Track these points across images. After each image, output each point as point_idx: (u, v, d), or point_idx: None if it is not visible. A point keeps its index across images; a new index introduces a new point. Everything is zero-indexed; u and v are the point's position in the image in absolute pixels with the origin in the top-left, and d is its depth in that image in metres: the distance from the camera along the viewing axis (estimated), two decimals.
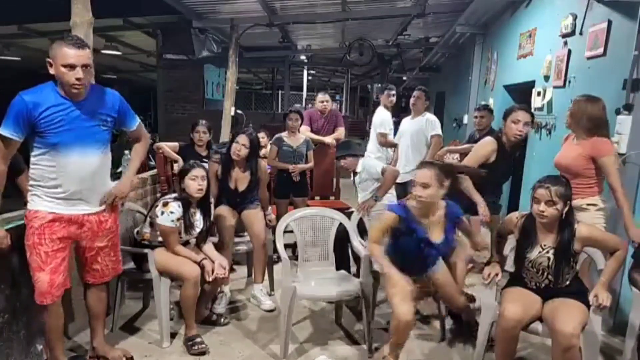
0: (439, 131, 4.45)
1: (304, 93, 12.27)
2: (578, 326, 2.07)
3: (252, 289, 3.38)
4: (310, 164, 4.36)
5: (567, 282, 2.29)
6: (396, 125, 5.12)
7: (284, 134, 4.32)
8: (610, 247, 2.25)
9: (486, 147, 3.08)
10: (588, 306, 2.21)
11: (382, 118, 4.75)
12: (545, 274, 2.28)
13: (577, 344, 2.07)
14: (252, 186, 3.41)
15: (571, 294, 2.25)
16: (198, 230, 2.85)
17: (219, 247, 3.20)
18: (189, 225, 2.79)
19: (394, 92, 4.83)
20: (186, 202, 2.77)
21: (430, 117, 4.51)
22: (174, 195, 2.82)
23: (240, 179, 3.37)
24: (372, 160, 3.74)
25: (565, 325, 2.06)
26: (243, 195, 3.39)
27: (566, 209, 2.20)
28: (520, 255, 2.35)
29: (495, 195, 3.25)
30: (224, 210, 3.34)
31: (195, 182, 2.75)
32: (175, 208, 2.70)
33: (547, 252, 2.26)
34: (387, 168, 3.49)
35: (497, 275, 2.43)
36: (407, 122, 4.67)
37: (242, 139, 3.30)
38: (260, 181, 3.47)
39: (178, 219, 2.72)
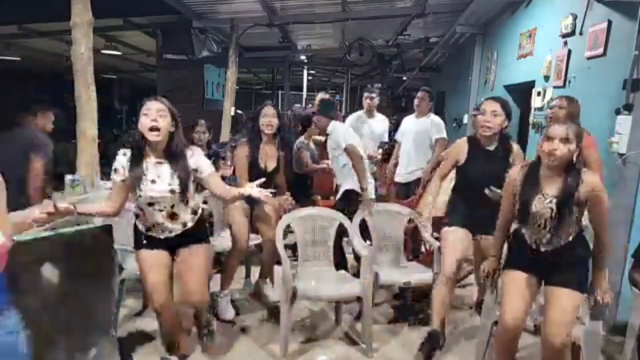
0: (444, 134, 4.42)
1: (304, 93, 12.26)
2: (569, 331, 2.04)
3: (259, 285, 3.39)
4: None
5: (570, 239, 2.11)
6: (396, 126, 5.08)
7: (303, 139, 4.29)
8: (604, 215, 2.08)
9: (454, 149, 2.81)
10: (586, 280, 2.12)
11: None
12: (548, 227, 2.10)
13: (566, 348, 2.06)
14: (279, 165, 3.23)
15: (570, 265, 2.12)
16: (164, 188, 2.19)
17: (231, 255, 3.13)
18: (137, 176, 2.18)
19: (373, 95, 4.71)
20: (138, 147, 2.21)
21: (435, 118, 4.48)
22: None
23: (270, 157, 3.16)
24: (342, 128, 3.62)
25: (555, 336, 2.01)
26: (271, 175, 3.18)
27: (576, 153, 2.03)
28: (524, 208, 2.14)
29: (477, 205, 2.70)
30: (237, 206, 3.06)
31: (147, 118, 2.14)
32: (119, 156, 2.23)
33: (550, 202, 2.08)
34: (350, 148, 3.30)
35: (495, 273, 2.36)
36: (410, 122, 4.63)
37: (269, 109, 3.08)
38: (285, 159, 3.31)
39: (117, 170, 2.22)
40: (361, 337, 2.89)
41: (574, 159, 2.03)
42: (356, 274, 3.04)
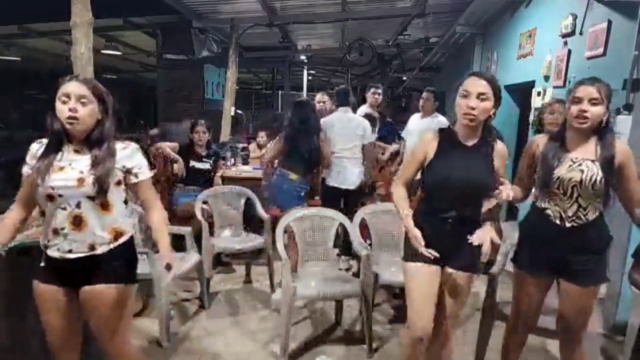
0: None
1: (304, 93, 12.27)
2: (586, 321, 2.07)
3: None
4: None
5: (597, 214, 1.97)
6: (391, 125, 5.04)
7: None
8: (633, 188, 1.96)
9: (419, 144, 2.09)
10: (605, 269, 2.03)
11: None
12: (575, 195, 1.93)
13: (584, 330, 2.09)
14: None
15: (591, 253, 1.99)
16: (71, 176, 1.67)
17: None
18: (44, 167, 1.67)
19: (380, 91, 4.71)
20: (57, 135, 1.72)
21: (441, 119, 4.44)
22: None
23: None
24: (329, 120, 3.85)
25: (572, 325, 2.06)
26: None
27: (607, 115, 1.90)
28: (548, 174, 1.97)
29: (446, 226, 1.98)
30: None
31: (65, 106, 1.67)
32: (33, 144, 1.79)
33: (580, 164, 1.92)
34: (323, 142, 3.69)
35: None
36: (415, 121, 4.63)
37: None
38: None
39: (27, 162, 1.75)
40: (361, 337, 2.89)
41: (604, 121, 1.90)
42: (356, 274, 3.04)
